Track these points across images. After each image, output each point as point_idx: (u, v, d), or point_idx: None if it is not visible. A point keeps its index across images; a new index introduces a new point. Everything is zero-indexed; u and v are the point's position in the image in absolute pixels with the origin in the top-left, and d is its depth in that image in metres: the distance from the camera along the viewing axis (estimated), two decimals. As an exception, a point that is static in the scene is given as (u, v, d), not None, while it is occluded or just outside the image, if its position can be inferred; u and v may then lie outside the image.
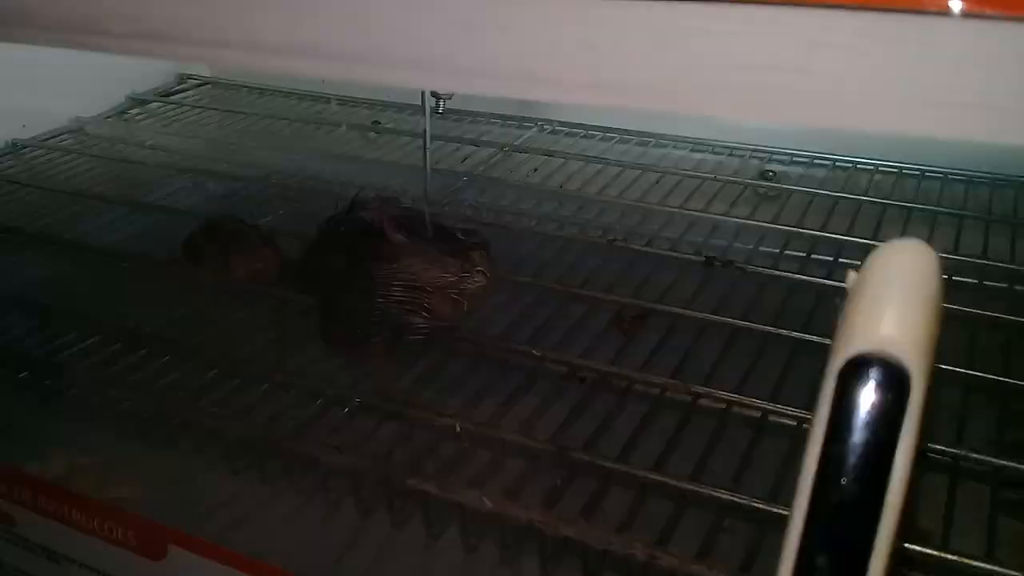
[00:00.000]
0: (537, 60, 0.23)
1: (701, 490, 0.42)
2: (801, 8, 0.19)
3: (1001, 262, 0.62)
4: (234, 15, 0.28)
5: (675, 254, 0.65)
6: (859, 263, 0.67)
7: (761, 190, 0.76)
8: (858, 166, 0.78)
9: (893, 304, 0.20)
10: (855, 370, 0.20)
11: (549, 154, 0.83)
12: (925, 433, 0.21)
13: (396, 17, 0.25)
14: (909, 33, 0.19)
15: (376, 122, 0.95)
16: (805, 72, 0.20)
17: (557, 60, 0.22)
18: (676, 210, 0.71)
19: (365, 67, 0.26)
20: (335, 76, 0.27)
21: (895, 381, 0.20)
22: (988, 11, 0.19)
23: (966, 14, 0.19)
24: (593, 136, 0.87)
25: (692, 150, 0.83)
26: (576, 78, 0.22)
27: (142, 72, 1.03)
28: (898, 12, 0.19)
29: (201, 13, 0.29)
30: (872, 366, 0.20)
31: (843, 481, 0.20)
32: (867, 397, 0.20)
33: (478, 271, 0.61)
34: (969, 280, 0.61)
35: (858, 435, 0.20)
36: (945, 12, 0.18)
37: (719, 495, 0.41)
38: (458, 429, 0.49)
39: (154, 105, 1.01)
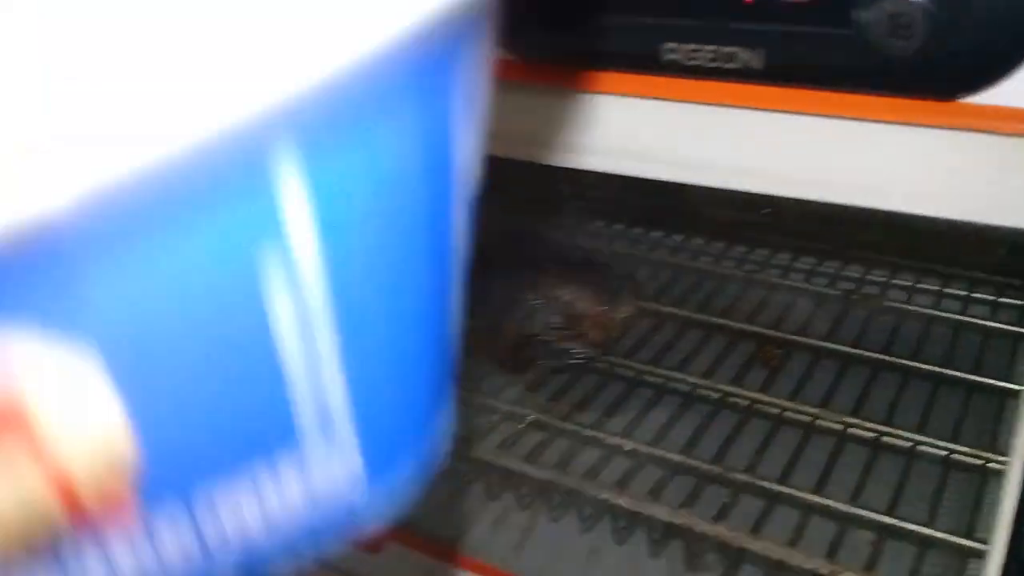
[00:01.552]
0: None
1: (862, 513, 0.47)
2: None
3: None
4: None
5: (810, 287, 0.69)
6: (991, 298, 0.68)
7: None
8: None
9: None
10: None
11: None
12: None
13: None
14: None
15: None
16: None
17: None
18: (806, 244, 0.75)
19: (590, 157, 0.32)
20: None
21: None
22: None
23: None
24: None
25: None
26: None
27: None
28: None
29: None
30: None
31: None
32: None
33: (628, 300, 0.67)
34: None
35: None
36: None
37: (880, 519, 0.46)
38: (626, 448, 0.55)
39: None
